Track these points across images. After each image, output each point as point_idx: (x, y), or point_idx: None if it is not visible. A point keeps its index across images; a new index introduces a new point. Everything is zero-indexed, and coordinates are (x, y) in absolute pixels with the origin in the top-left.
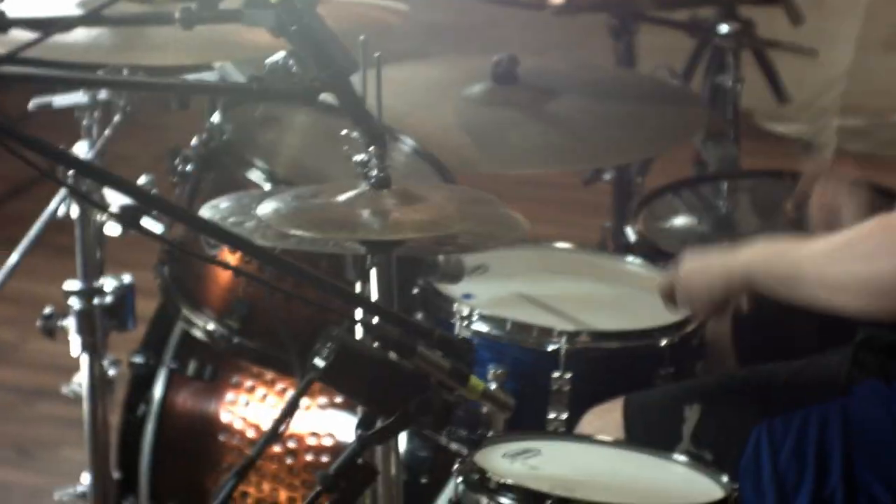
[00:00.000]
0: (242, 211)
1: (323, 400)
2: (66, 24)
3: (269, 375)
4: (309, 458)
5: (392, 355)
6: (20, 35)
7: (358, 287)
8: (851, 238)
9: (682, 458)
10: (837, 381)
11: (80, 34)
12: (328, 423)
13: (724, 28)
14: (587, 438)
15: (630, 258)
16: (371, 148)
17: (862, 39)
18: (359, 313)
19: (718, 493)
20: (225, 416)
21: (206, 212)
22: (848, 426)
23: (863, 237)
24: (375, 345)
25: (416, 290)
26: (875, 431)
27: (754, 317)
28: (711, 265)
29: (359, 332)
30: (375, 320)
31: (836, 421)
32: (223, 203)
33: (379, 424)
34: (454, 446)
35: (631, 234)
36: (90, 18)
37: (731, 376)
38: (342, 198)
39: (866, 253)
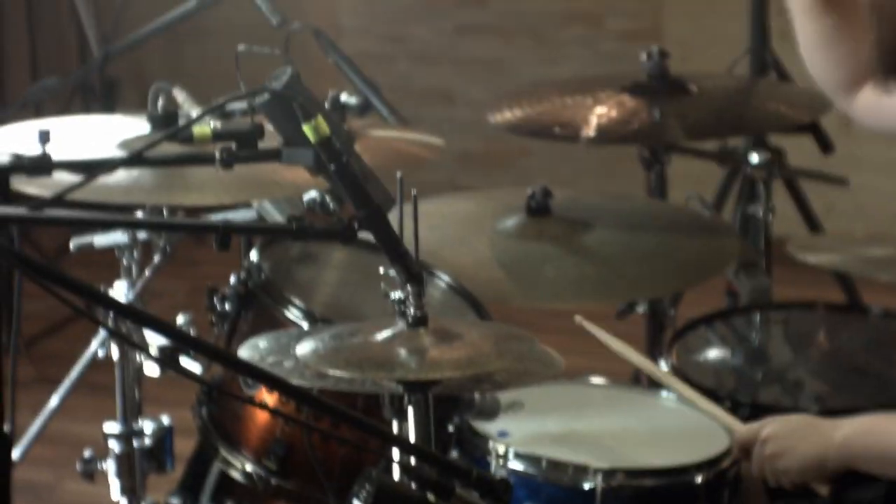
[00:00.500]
0: (281, 350)
1: None
2: (108, 166)
3: None
4: None
5: (430, 496)
6: (63, 177)
7: (395, 426)
8: None
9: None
10: None
11: (121, 175)
12: None
13: (754, 157)
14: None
15: (664, 393)
16: (408, 286)
17: (891, 165)
18: (396, 453)
19: None
20: None
21: (244, 351)
22: None
23: None
24: (413, 486)
25: (451, 428)
26: None
27: None
28: (804, 447)
29: (396, 472)
30: (413, 460)
31: None
32: (261, 342)
33: None
34: None
35: (664, 367)
36: (132, 160)
37: None
38: (380, 336)
39: None
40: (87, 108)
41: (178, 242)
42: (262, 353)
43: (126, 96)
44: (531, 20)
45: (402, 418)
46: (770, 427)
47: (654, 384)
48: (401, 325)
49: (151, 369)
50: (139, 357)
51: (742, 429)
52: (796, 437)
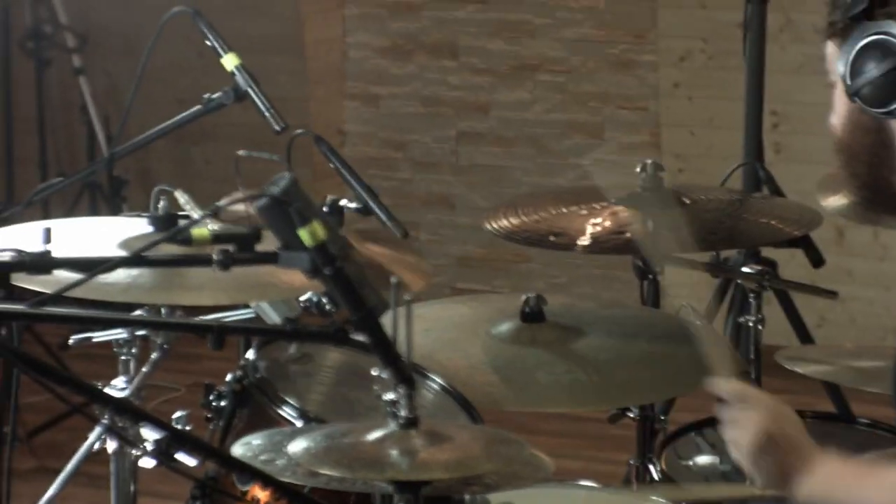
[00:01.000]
0: (274, 448)
1: None
2: (107, 265)
3: None
4: None
5: None
6: (64, 275)
7: None
8: None
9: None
10: None
11: (121, 274)
12: None
13: (746, 269)
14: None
15: (654, 497)
16: (400, 389)
17: (882, 278)
18: None
19: None
20: None
21: (237, 449)
22: None
23: None
24: None
25: None
26: None
27: None
28: (787, 441)
29: None
30: None
31: None
32: (255, 440)
33: None
34: None
35: (654, 472)
36: (131, 260)
37: None
38: (371, 437)
39: None
40: (94, 207)
41: (180, 338)
42: (255, 450)
43: (133, 197)
44: (532, 129)
45: None
46: (757, 409)
47: (645, 486)
48: (392, 426)
49: (146, 462)
50: (136, 451)
51: (734, 384)
52: (774, 441)
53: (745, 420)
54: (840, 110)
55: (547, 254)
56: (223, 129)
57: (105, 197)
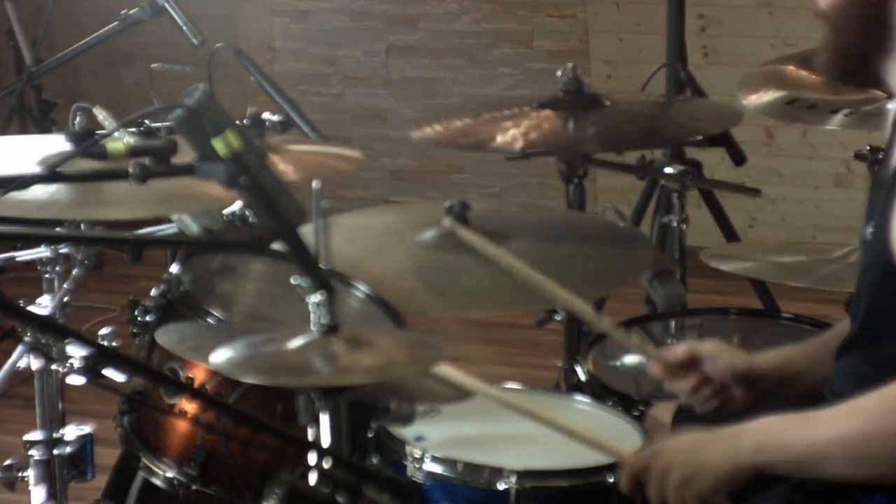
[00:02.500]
0: (199, 337)
1: None
2: (23, 182)
3: None
4: None
5: (340, 498)
6: None
7: (310, 432)
8: (858, 406)
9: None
10: None
11: (39, 192)
12: None
13: (669, 169)
14: None
15: (578, 397)
16: (319, 296)
17: (810, 177)
18: (312, 458)
19: None
20: None
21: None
22: None
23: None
24: (324, 488)
25: (370, 434)
26: None
27: None
28: (714, 464)
29: (313, 477)
30: (326, 464)
31: None
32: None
33: None
34: None
35: (581, 373)
36: (46, 176)
37: None
38: (293, 344)
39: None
40: (24, 131)
41: (108, 258)
42: (179, 337)
43: (63, 120)
44: (462, 40)
45: (317, 424)
46: (665, 456)
47: (570, 389)
48: (313, 333)
49: (74, 379)
50: (62, 368)
51: (630, 461)
52: (701, 457)
53: (664, 468)
54: None
55: (480, 164)
56: (152, 48)
57: (35, 120)
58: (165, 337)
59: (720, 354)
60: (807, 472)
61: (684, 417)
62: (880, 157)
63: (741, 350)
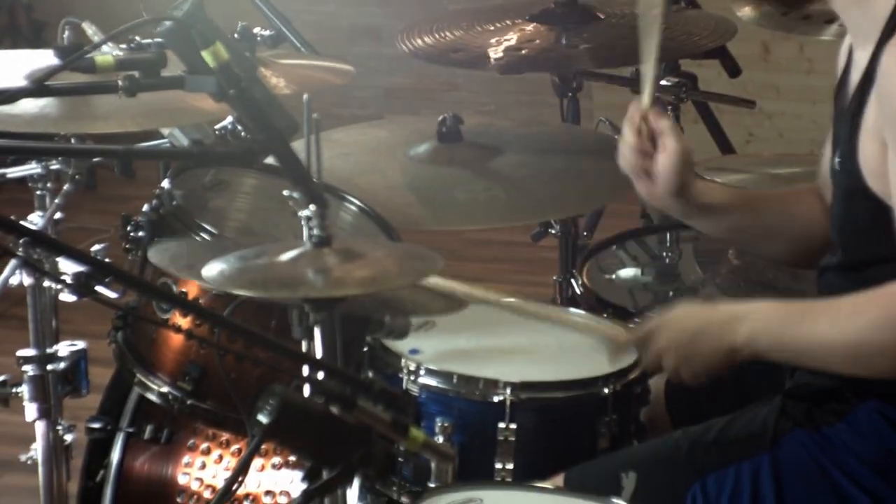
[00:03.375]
0: (191, 255)
1: (277, 459)
2: (10, 95)
3: (225, 436)
4: None
5: (334, 409)
6: None
7: (304, 345)
8: (861, 306)
9: (620, 502)
10: (766, 434)
11: (29, 106)
12: (282, 482)
13: (664, 82)
14: (528, 486)
15: (573, 310)
16: (311, 208)
17: (808, 92)
18: (305, 370)
19: None
20: (182, 479)
21: (153, 254)
22: (779, 477)
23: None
24: (318, 400)
25: (364, 348)
26: (806, 480)
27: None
28: (707, 332)
29: (305, 388)
30: (319, 376)
31: (766, 473)
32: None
33: (323, 477)
34: (405, 500)
35: (576, 286)
36: (35, 90)
37: (663, 441)
38: (285, 257)
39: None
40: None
41: (100, 177)
42: (172, 256)
43: (55, 39)
44: None
45: (310, 337)
46: (665, 335)
47: (566, 303)
48: (306, 245)
49: (67, 296)
50: (55, 285)
51: (630, 338)
52: (697, 341)
53: (655, 356)
54: None
55: (475, 81)
56: None
57: (27, 40)
58: (158, 256)
59: (678, 164)
60: (802, 363)
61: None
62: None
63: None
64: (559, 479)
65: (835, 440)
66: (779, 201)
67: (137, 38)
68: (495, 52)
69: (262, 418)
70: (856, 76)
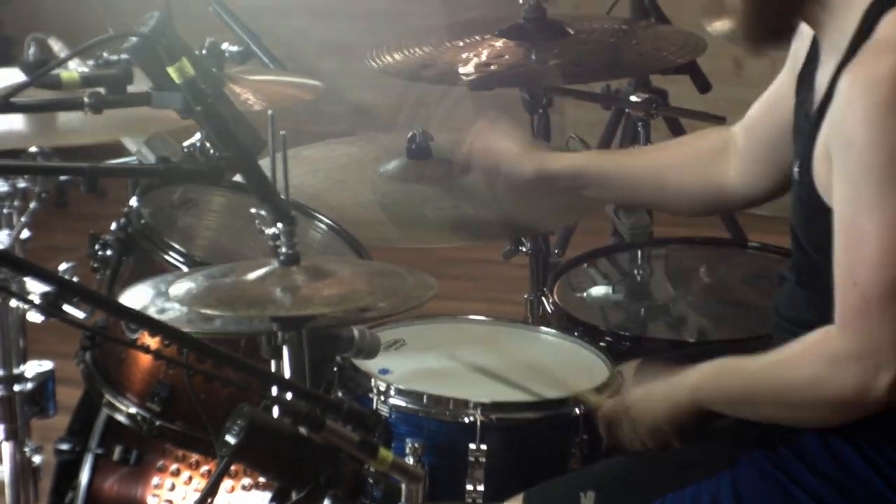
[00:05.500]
0: (162, 295)
1: (247, 481)
2: None
3: (194, 458)
4: None
5: (302, 430)
6: None
7: (272, 365)
8: (797, 355)
9: None
10: (724, 453)
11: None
12: None
13: (634, 98)
14: None
15: (544, 329)
16: (279, 225)
17: None
18: (274, 391)
19: None
20: (152, 501)
21: (126, 299)
22: (738, 496)
23: (805, 354)
24: (286, 420)
25: (334, 367)
26: (765, 498)
27: None
28: (655, 393)
29: (274, 409)
30: (288, 396)
31: (726, 492)
32: (142, 287)
33: (292, 499)
34: None
35: (547, 304)
36: None
37: (622, 461)
38: (253, 275)
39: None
40: None
41: (77, 200)
42: (144, 298)
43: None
44: None
45: (279, 357)
46: (622, 402)
47: (536, 321)
48: (274, 263)
49: (34, 316)
50: (22, 304)
51: (606, 406)
52: (649, 397)
53: (620, 423)
54: None
55: (445, 97)
56: None
57: None
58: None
59: (507, 161)
60: (740, 413)
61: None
62: None
63: (532, 152)
64: (518, 499)
65: (791, 457)
66: (650, 174)
67: (104, 53)
68: (465, 69)
69: (231, 439)
70: (823, 79)
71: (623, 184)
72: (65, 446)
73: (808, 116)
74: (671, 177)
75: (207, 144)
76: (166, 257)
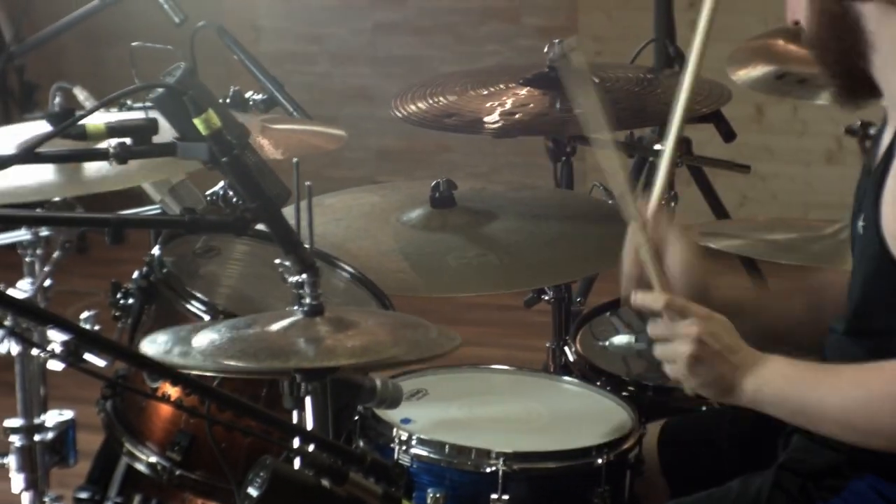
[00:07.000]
0: (181, 342)
1: None
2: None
3: None
4: None
5: (325, 482)
6: None
7: (294, 415)
8: (864, 377)
9: None
10: None
11: (23, 176)
12: None
13: (658, 146)
14: None
15: (566, 378)
16: (303, 276)
17: (802, 154)
18: (296, 441)
19: None
20: None
21: (145, 347)
22: None
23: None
24: (309, 472)
25: (356, 417)
26: None
27: (679, 444)
28: (730, 358)
29: (296, 460)
30: (310, 448)
31: None
32: (161, 336)
33: None
34: None
35: (569, 353)
36: (23, 157)
37: None
38: (276, 326)
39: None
40: (7, 114)
41: (97, 244)
42: (163, 346)
43: (46, 100)
44: (448, 17)
45: (301, 407)
46: (701, 325)
47: (559, 370)
48: (297, 314)
49: (55, 364)
50: (42, 353)
51: (676, 302)
52: (717, 369)
53: (677, 333)
54: (804, 3)
55: (467, 144)
56: (138, 30)
57: (17, 103)
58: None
59: (683, 273)
60: (798, 423)
61: None
62: (871, 132)
63: (701, 268)
64: None
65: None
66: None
67: (129, 101)
68: (490, 117)
69: (253, 491)
70: (887, 138)
71: (774, 323)
72: (84, 495)
73: (870, 173)
74: (823, 322)
75: (230, 193)
76: (188, 306)
